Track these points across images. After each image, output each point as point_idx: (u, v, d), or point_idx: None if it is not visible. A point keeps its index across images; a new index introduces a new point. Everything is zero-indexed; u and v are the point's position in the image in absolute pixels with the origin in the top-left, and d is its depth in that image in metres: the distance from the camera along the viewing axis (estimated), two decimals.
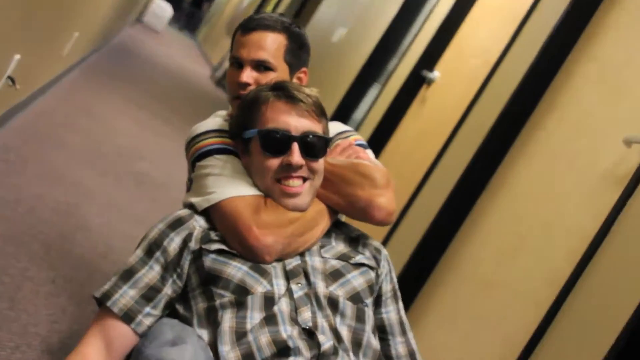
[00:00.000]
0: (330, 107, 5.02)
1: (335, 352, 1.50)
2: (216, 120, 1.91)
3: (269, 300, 1.53)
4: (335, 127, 2.00)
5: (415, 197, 3.34)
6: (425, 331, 2.72)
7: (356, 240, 1.80)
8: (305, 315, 1.54)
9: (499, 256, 2.61)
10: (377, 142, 4.05)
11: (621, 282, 2.00)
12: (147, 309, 1.55)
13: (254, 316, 1.51)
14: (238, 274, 1.55)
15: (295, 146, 1.64)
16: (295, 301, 1.55)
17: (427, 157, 3.40)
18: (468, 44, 3.82)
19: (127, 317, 1.53)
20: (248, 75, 1.87)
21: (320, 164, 1.70)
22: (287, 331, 1.49)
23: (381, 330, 1.76)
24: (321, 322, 1.54)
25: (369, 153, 1.95)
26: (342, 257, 1.70)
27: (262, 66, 1.89)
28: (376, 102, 4.55)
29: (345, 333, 1.57)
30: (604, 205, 2.17)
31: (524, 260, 2.46)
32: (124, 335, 1.53)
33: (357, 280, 1.67)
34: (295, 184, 1.66)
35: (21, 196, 2.65)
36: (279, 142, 1.65)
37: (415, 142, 3.86)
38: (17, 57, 2.83)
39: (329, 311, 1.58)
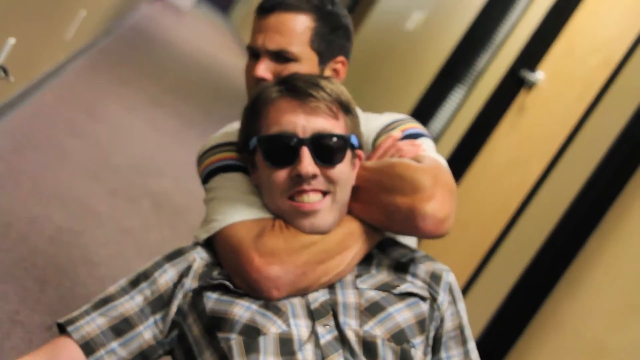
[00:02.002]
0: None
1: None
2: (232, 127, 1.92)
3: (286, 344, 1.53)
4: (383, 119, 1.98)
5: (507, 234, 3.34)
6: None
7: (407, 265, 1.75)
8: None
9: (613, 315, 2.60)
10: (460, 161, 4.06)
11: None
12: (114, 345, 1.57)
13: None
14: (246, 314, 1.56)
15: (305, 151, 1.62)
16: (322, 348, 1.53)
17: (524, 184, 3.40)
18: (583, 37, 3.82)
19: (88, 347, 1.55)
20: (264, 68, 1.88)
21: (340, 171, 1.66)
22: None
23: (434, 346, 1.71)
24: None
25: (426, 143, 1.90)
26: (383, 287, 1.67)
27: (281, 56, 1.89)
28: (460, 110, 4.56)
29: None
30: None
31: None
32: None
33: (401, 314, 1.63)
34: (311, 199, 1.63)
35: (12, 219, 2.71)
36: (284, 149, 1.64)
37: (509, 163, 3.86)
38: (12, 41, 2.90)
39: (364, 358, 1.56)
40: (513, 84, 4.08)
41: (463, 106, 4.55)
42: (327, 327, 1.57)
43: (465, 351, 1.74)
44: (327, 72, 1.95)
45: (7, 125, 3.48)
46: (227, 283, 1.60)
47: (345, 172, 1.67)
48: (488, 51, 4.76)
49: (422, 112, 5.00)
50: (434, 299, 1.70)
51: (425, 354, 1.64)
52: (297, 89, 1.66)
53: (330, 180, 1.64)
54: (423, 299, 1.68)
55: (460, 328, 1.75)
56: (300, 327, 1.56)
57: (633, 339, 2.47)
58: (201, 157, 1.89)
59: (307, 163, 1.60)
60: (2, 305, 2.23)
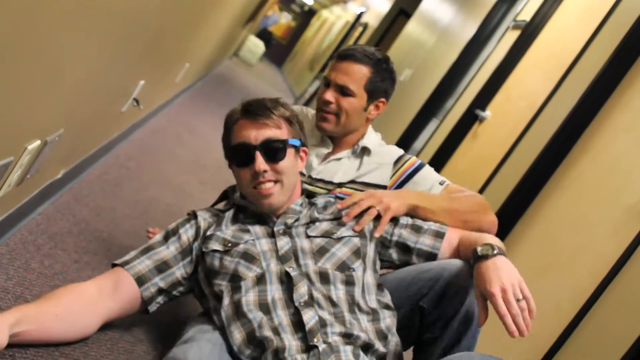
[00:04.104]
0: (394, 136, 5.07)
1: (323, 324, 1.48)
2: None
3: (260, 281, 1.55)
4: (392, 153, 1.96)
5: None
6: None
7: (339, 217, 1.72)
8: (302, 290, 1.53)
9: (532, 273, 2.63)
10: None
11: (636, 302, 2.02)
12: (157, 280, 1.61)
13: (249, 295, 1.53)
14: (231, 265, 1.58)
15: (258, 154, 1.63)
16: (293, 279, 1.54)
17: (476, 186, 3.43)
18: (517, 88, 3.84)
19: (140, 281, 1.59)
20: (331, 95, 1.89)
21: (284, 165, 1.65)
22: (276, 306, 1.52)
23: (405, 250, 1.70)
24: (316, 295, 1.53)
25: (426, 171, 1.91)
26: (326, 235, 1.66)
27: (343, 90, 1.89)
28: (434, 135, 4.58)
29: (341, 296, 1.54)
30: (627, 236, 2.19)
31: (553, 278, 2.48)
32: (131, 291, 1.58)
33: (341, 251, 1.63)
34: (266, 186, 1.63)
35: (139, 197, 2.76)
36: (244, 154, 1.65)
37: (466, 172, 3.88)
38: (142, 82, 2.96)
39: (320, 284, 1.56)
40: (470, 119, 4.10)
41: (435, 133, 4.57)
42: (292, 267, 1.58)
43: (406, 223, 1.73)
44: (372, 107, 1.94)
45: (136, 137, 3.54)
46: (218, 247, 1.63)
47: (289, 165, 1.67)
48: (454, 96, 4.78)
49: (408, 136, 5.04)
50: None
51: (365, 269, 1.63)
52: (251, 111, 1.67)
53: (278, 172, 1.65)
54: (354, 236, 1.67)
55: (410, 223, 1.73)
56: (271, 268, 1.57)
57: (543, 289, 2.50)
58: None
59: (259, 162, 1.63)
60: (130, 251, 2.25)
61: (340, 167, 1.94)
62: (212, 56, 6.88)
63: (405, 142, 4.99)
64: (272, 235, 1.65)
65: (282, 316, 1.49)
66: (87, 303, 1.51)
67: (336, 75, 1.89)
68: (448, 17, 5.99)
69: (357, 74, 1.88)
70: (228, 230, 1.67)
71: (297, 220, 1.69)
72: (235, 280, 1.57)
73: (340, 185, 1.92)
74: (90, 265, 1.92)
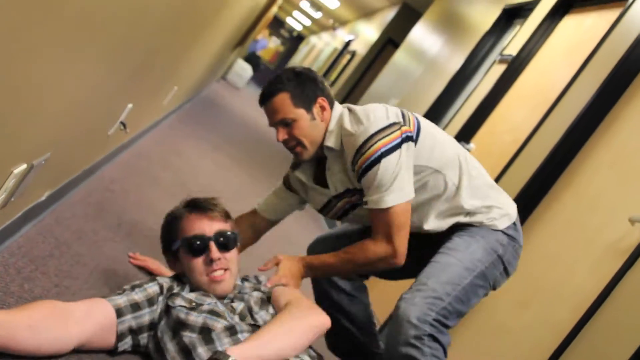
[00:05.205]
0: None
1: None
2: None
3: (230, 330, 1.65)
4: (353, 145, 1.92)
5: None
6: None
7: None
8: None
9: (514, 306, 2.64)
10: None
11: (615, 339, 2.04)
12: (130, 316, 1.67)
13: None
14: (199, 319, 1.67)
15: (212, 244, 1.80)
16: (252, 328, 1.68)
17: None
18: (502, 121, 3.89)
19: (119, 312, 1.65)
20: (281, 134, 2.00)
21: (233, 254, 1.85)
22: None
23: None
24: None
25: (387, 160, 1.86)
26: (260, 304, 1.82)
27: (285, 122, 1.99)
28: None
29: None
30: (607, 273, 2.22)
31: (534, 312, 2.50)
32: (108, 321, 1.62)
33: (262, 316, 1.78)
34: (219, 273, 1.80)
35: (122, 221, 2.75)
36: (199, 245, 1.81)
37: None
38: (130, 105, 2.97)
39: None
40: None
41: None
42: (247, 318, 1.74)
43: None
44: (316, 112, 1.99)
45: (121, 160, 3.53)
46: (184, 304, 1.72)
47: (235, 254, 1.87)
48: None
49: None
50: None
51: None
52: (199, 206, 1.86)
53: (227, 260, 1.83)
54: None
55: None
56: (235, 320, 1.70)
57: (525, 323, 2.52)
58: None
59: (214, 251, 1.80)
60: (114, 278, 2.25)
61: (335, 176, 2.03)
62: (200, 79, 6.91)
63: None
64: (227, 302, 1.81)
65: None
66: (62, 321, 1.52)
67: (271, 118, 2.02)
68: (436, 48, 6.07)
69: (280, 104, 1.98)
70: (191, 294, 1.79)
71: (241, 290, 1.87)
72: (205, 332, 1.66)
73: (354, 191, 2.01)
74: (70, 289, 1.91)
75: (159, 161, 4.15)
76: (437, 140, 2.01)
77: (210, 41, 5.20)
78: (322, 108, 2.00)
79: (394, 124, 1.92)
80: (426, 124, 2.02)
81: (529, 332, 2.45)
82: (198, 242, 1.82)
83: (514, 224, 2.02)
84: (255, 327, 1.68)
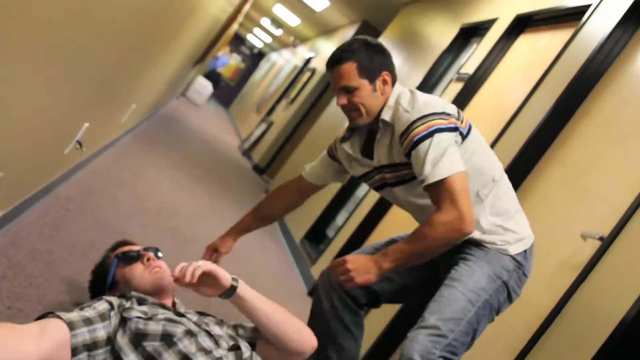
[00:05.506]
0: None
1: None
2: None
3: (189, 334, 1.73)
4: (404, 121, 1.97)
5: None
6: None
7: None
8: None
9: None
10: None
11: (569, 353, 2.08)
12: (84, 330, 1.65)
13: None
14: (159, 327, 1.73)
15: (144, 252, 2.06)
16: (210, 331, 1.81)
17: None
18: None
19: (71, 325, 1.62)
20: (342, 98, 2.04)
21: (161, 257, 2.10)
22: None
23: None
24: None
25: (421, 150, 1.91)
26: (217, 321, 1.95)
27: (347, 89, 2.03)
28: None
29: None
30: (560, 288, 2.26)
31: (489, 329, 2.53)
32: (62, 336, 1.59)
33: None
34: (157, 263, 2.04)
35: (77, 241, 2.72)
36: (134, 252, 2.06)
37: (406, 223, 3.93)
38: (86, 125, 2.95)
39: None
40: None
41: None
42: (203, 325, 1.84)
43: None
44: (379, 85, 2.05)
45: (77, 179, 3.50)
46: (140, 315, 1.77)
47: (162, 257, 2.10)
48: None
49: (354, 184, 5.06)
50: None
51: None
52: (127, 242, 2.15)
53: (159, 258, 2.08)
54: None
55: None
56: (191, 326, 1.78)
57: (480, 340, 2.54)
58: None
59: (149, 253, 2.06)
60: (68, 300, 2.22)
61: (381, 149, 2.08)
62: (160, 96, 6.87)
63: (349, 190, 5.03)
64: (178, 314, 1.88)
65: (221, 353, 1.74)
66: (18, 341, 1.50)
67: (334, 83, 2.06)
68: (395, 66, 6.14)
69: (347, 71, 2.02)
70: (142, 307, 1.84)
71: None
72: (168, 338, 1.71)
73: (394, 166, 2.06)
74: (23, 312, 1.88)
75: (116, 180, 4.11)
76: (481, 148, 2.07)
77: (170, 58, 5.19)
78: (385, 82, 2.06)
79: (450, 114, 1.99)
80: (477, 131, 2.09)
81: (483, 351, 2.48)
82: (131, 254, 2.05)
83: (525, 251, 2.03)
84: (209, 335, 1.79)
